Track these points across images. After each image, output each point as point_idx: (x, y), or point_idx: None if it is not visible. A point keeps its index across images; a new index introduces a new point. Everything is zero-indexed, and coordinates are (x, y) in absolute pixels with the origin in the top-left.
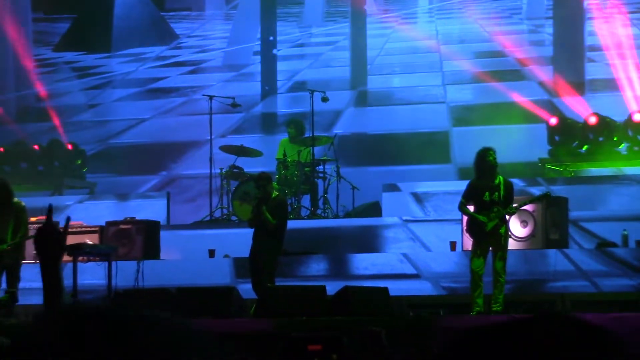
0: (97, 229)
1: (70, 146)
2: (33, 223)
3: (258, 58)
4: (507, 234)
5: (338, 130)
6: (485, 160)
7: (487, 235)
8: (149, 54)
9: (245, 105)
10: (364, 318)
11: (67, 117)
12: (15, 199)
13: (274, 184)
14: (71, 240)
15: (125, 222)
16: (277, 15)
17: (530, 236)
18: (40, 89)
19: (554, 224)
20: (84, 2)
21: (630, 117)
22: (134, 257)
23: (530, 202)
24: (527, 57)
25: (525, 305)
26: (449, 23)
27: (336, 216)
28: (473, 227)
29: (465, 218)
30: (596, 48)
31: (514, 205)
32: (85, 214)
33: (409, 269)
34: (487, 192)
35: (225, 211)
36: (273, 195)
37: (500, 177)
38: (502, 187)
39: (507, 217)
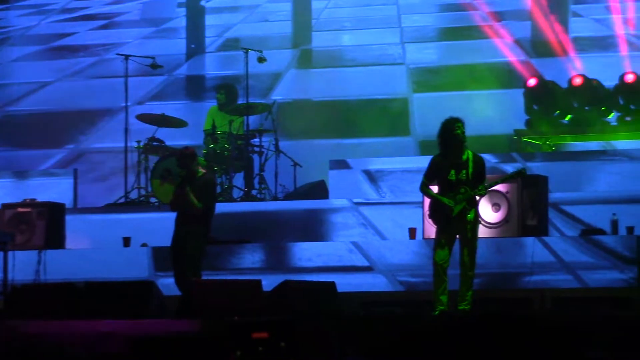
0: None
1: None
2: None
3: (183, 10)
4: (476, 219)
5: (277, 96)
6: (452, 133)
7: (453, 221)
8: (53, 5)
9: (167, 66)
10: (307, 318)
11: None
12: None
13: (201, 159)
14: None
15: (24, 204)
16: None
17: (504, 222)
18: None
19: (531, 207)
20: None
21: (622, 78)
22: (34, 245)
23: (502, 181)
24: (500, 11)
25: (497, 303)
26: None
27: (275, 198)
28: (436, 212)
29: (427, 201)
30: (583, 0)
31: (485, 184)
32: None
33: (360, 261)
34: (452, 170)
35: (142, 192)
36: (199, 174)
37: (469, 152)
38: (470, 164)
39: (477, 199)
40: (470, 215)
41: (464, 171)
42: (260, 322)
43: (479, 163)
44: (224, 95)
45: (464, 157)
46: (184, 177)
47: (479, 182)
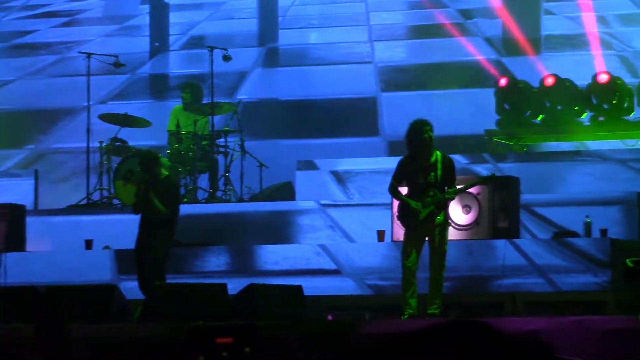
0: None
1: None
2: None
3: (146, 8)
4: (446, 222)
5: (243, 95)
6: (420, 136)
7: (421, 224)
8: (14, 2)
9: (130, 64)
10: (273, 322)
11: None
12: None
13: (164, 160)
14: None
15: None
16: None
17: (474, 224)
18: None
19: (502, 209)
20: None
21: (594, 78)
22: None
23: (473, 185)
24: (471, 8)
25: (468, 307)
26: None
27: (240, 199)
28: (405, 214)
29: (396, 202)
30: None
31: (458, 187)
32: None
33: (328, 264)
34: (420, 172)
35: (105, 193)
36: (162, 176)
37: (438, 153)
38: (439, 165)
39: (448, 201)
40: (439, 219)
41: (433, 174)
42: (225, 326)
43: (448, 164)
44: (189, 94)
45: (432, 159)
46: (147, 183)
47: (448, 183)
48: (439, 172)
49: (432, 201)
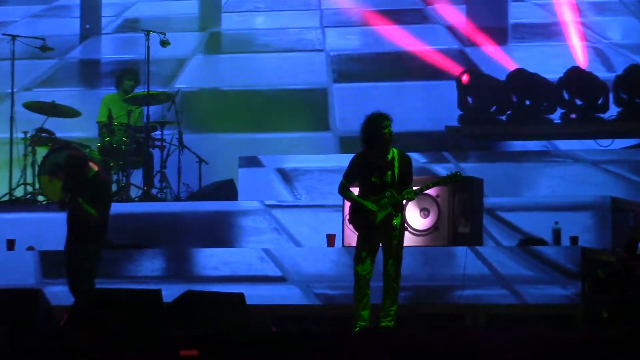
0: None
1: None
2: None
3: None
4: (402, 226)
5: (181, 84)
6: (379, 132)
7: (377, 228)
8: None
9: (58, 48)
10: (212, 332)
11: None
12: None
13: (95, 154)
14: None
15: None
16: None
17: (433, 229)
18: None
19: (463, 213)
20: None
21: (566, 73)
22: None
23: (434, 185)
24: None
25: (425, 319)
26: None
27: (177, 198)
28: (358, 217)
29: (347, 204)
30: None
31: (414, 188)
32: None
33: (272, 270)
34: (376, 171)
35: (29, 189)
36: (91, 173)
37: (394, 150)
38: (396, 163)
39: (404, 203)
40: (395, 222)
41: (389, 172)
42: (190, 338)
43: (406, 162)
44: (134, 81)
45: (389, 156)
46: (74, 188)
47: (405, 184)
48: (396, 171)
49: (389, 202)
